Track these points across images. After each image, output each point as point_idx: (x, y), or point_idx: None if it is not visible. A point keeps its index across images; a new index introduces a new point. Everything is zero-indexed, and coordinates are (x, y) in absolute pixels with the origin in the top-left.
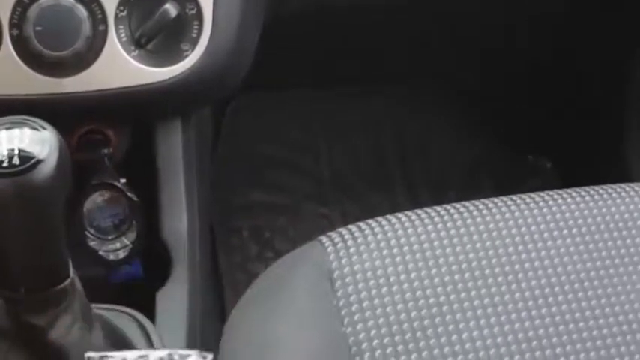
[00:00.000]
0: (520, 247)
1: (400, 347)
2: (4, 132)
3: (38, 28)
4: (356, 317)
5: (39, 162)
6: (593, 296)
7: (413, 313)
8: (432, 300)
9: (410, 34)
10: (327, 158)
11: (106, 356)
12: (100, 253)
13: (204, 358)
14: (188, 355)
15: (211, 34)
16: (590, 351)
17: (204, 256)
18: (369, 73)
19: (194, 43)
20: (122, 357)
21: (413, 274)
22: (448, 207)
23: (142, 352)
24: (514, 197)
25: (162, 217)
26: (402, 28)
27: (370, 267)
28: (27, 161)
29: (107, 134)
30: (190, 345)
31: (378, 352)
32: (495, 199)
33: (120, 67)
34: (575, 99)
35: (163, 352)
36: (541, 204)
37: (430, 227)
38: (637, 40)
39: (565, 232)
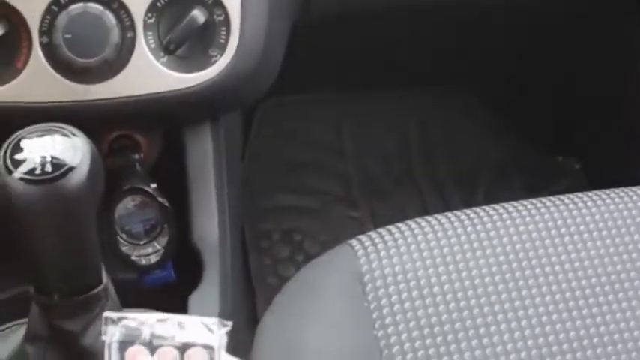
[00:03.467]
0: (550, 250)
1: (432, 350)
2: (36, 139)
3: (67, 36)
4: (387, 320)
5: (71, 169)
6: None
7: (444, 317)
8: (462, 303)
9: (434, 38)
10: (354, 160)
11: (125, 317)
12: (132, 258)
13: (225, 325)
14: (209, 322)
15: (239, 40)
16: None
17: (235, 260)
18: (394, 75)
19: (222, 48)
20: (141, 318)
21: (443, 277)
22: (478, 210)
23: (163, 315)
24: (543, 199)
25: (193, 221)
26: (426, 32)
27: (401, 270)
28: (59, 168)
29: (137, 140)
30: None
31: (409, 355)
32: (524, 202)
33: (149, 74)
34: (601, 100)
35: (184, 317)
36: (571, 206)
37: (460, 230)
38: None
39: (595, 233)
